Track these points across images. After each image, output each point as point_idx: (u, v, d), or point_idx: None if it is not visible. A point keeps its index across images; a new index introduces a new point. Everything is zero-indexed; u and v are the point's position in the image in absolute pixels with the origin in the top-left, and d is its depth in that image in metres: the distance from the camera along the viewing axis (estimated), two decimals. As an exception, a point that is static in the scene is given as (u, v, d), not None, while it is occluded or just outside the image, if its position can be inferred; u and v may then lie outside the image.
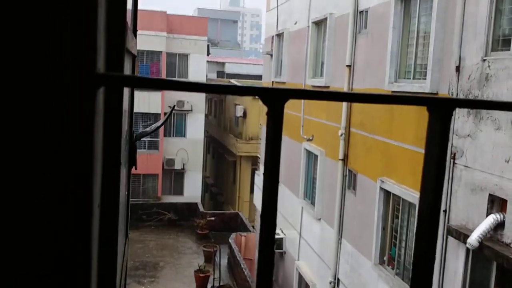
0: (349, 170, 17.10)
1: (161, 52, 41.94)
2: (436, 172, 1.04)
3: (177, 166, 42.90)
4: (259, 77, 48.28)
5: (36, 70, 0.94)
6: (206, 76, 47.57)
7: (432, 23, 12.37)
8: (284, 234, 23.65)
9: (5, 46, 0.93)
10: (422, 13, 13.20)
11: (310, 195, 20.99)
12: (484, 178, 10.41)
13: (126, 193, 3.34)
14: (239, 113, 42.27)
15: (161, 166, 42.39)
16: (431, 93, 12.10)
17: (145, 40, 38.13)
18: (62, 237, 0.99)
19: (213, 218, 36.62)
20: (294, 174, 21.98)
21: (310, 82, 20.51)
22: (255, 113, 38.40)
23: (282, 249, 23.76)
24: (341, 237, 17.59)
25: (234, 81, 45.59)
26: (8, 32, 0.92)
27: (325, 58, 19.34)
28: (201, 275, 27.97)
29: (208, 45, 45.65)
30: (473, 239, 9.93)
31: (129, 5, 2.77)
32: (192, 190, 43.75)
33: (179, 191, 43.85)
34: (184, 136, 43.82)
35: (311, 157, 20.84)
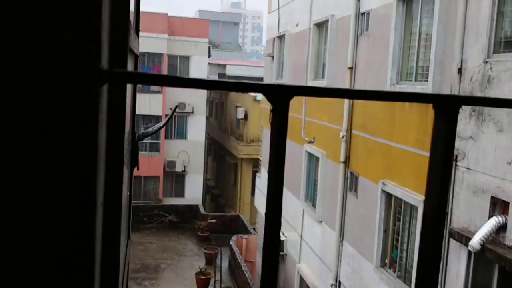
0: (351, 172, 17.10)
1: (162, 54, 42.01)
2: (441, 171, 1.03)
3: (178, 168, 42.94)
4: (260, 79, 48.29)
5: (36, 70, 0.94)
6: (207, 78, 47.54)
7: (433, 25, 12.37)
8: (285, 237, 23.64)
9: (5, 46, 0.92)
10: (424, 15, 13.20)
11: (311, 197, 20.99)
12: (486, 180, 10.40)
13: (128, 193, 3.33)
14: (240, 115, 42.31)
15: (162, 168, 42.44)
16: (433, 95, 12.08)
17: (146, 42, 38.18)
18: (62, 237, 0.98)
19: (214, 220, 36.64)
20: (295, 176, 21.98)
21: (312, 84, 20.43)
22: (256, 115, 38.41)
23: (283, 251, 23.76)
24: (342, 239, 17.58)
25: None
26: (8, 32, 0.92)
27: (326, 60, 19.34)
28: (202, 277, 27.97)
29: (209, 47, 45.71)
30: (475, 241, 9.92)
31: (132, 6, 2.77)
32: (193, 192, 43.79)
33: (180, 193, 43.90)
34: (185, 138, 43.88)
35: (312, 159, 20.84)
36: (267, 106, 24.71)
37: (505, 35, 10.41)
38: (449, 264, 11.48)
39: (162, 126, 5.73)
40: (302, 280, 21.37)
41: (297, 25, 23.06)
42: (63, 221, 0.98)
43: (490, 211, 10.24)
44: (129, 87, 2.62)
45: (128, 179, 3.25)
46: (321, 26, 20.34)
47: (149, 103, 39.87)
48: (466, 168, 11.00)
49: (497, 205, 10.15)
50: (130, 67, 2.18)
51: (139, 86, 36.02)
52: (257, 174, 30.88)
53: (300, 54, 22.10)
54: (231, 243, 30.76)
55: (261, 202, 28.22)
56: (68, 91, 0.95)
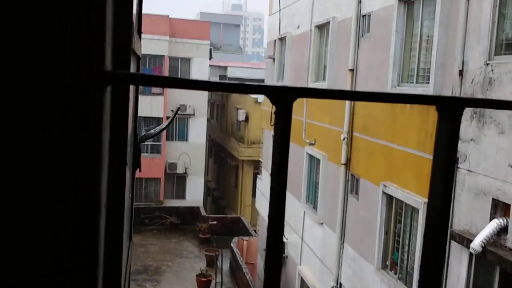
0: (352, 175, 17.09)
1: (163, 56, 42.02)
2: (445, 172, 1.03)
3: (179, 170, 42.94)
4: (261, 81, 48.28)
5: (36, 70, 0.94)
6: (208, 80, 47.50)
7: (435, 27, 12.37)
8: (286, 239, 23.62)
9: (5, 46, 0.92)
10: (425, 17, 13.20)
11: (312, 199, 20.99)
12: (487, 182, 10.39)
13: (130, 195, 3.33)
14: (241, 117, 42.32)
15: (163, 170, 42.44)
16: (434, 97, 12.08)
17: (148, 44, 38.16)
18: (62, 237, 0.98)
19: (215, 222, 36.63)
20: (296, 178, 21.97)
21: (313, 86, 20.40)
22: (257, 117, 38.39)
23: (284, 253, 23.73)
24: (343, 241, 17.57)
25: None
26: (8, 32, 0.92)
27: (327, 62, 19.34)
28: (203, 279, 27.98)
29: (210, 49, 45.70)
30: (476, 243, 9.91)
31: (134, 8, 2.77)
32: (194, 194, 43.78)
33: (181, 195, 43.88)
34: (186, 140, 43.88)
35: (313, 161, 20.84)
36: (268, 108, 24.70)
37: (506, 37, 10.40)
38: (450, 266, 11.47)
39: (164, 128, 5.74)
40: (303, 282, 21.35)
41: (298, 27, 23.06)
42: (63, 221, 0.98)
43: (491, 213, 10.23)
44: (131, 88, 2.62)
45: (130, 180, 3.25)
46: (322, 28, 20.34)
47: (151, 105, 39.88)
48: (468, 170, 11.00)
49: (498, 207, 10.15)
50: (132, 68, 2.18)
51: (140, 87, 36.08)
52: (258, 176, 30.86)
53: (301, 56, 22.11)
54: (232, 245, 30.75)
55: (262, 204, 28.21)
56: (68, 91, 0.95)
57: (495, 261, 10.02)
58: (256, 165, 37.98)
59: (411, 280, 13.41)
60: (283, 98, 0.96)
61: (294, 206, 22.28)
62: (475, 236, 10.17)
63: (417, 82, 13.46)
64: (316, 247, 20.21)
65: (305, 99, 19.53)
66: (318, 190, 20.03)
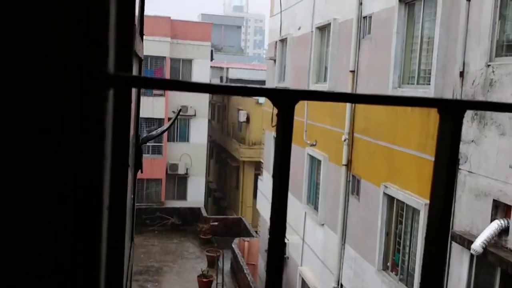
0: (353, 176, 17.10)
1: (165, 57, 42.03)
2: (446, 174, 1.03)
3: (181, 171, 42.96)
4: (262, 83, 48.30)
5: (35, 69, 0.94)
6: (210, 81, 47.61)
7: (436, 28, 12.37)
8: (287, 240, 23.61)
9: (5, 46, 0.92)
10: (426, 18, 13.21)
11: (313, 200, 20.98)
12: (488, 183, 10.39)
13: (132, 196, 3.34)
14: (242, 118, 42.34)
15: (164, 171, 42.45)
16: (435, 99, 12.09)
17: (149, 45, 38.20)
18: (62, 237, 0.99)
19: (216, 223, 36.64)
20: (297, 179, 21.96)
21: (314, 87, 20.48)
22: (258, 118, 38.39)
23: (285, 254, 23.73)
24: (344, 242, 17.57)
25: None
26: (8, 31, 0.92)
27: (328, 63, 19.34)
28: (204, 280, 27.99)
29: (211, 51, 45.74)
30: (477, 245, 9.91)
31: (136, 10, 2.77)
32: (195, 195, 43.80)
33: (183, 196, 43.90)
34: (188, 141, 43.91)
35: (314, 162, 20.84)
36: (269, 109, 24.70)
37: (507, 38, 10.41)
38: (451, 267, 11.47)
39: (166, 130, 5.75)
40: (304, 283, 21.35)
41: (299, 28, 23.07)
42: (63, 221, 0.98)
43: (492, 214, 10.23)
44: (133, 90, 2.63)
45: (132, 182, 3.25)
46: (323, 29, 20.34)
47: (152, 106, 39.89)
48: (468, 171, 11.00)
49: (499, 209, 10.15)
50: (134, 70, 2.18)
51: (142, 89, 36.12)
52: (259, 177, 30.86)
53: (302, 57, 22.11)
54: (233, 245, 30.75)
55: (263, 205, 28.22)
56: (68, 92, 0.95)
57: (496, 262, 10.02)
58: (257, 166, 37.98)
59: (412, 281, 13.41)
60: (285, 100, 0.97)
61: (295, 207, 22.28)
62: (476, 237, 10.17)
63: (418, 83, 13.47)
64: (317, 248, 20.21)
65: (306, 100, 19.50)
66: (319, 191, 20.03)
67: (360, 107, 16.47)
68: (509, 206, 9.88)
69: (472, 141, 10.92)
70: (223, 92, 1.00)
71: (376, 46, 15.78)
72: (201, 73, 43.10)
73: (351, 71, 17.08)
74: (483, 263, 10.61)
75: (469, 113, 11.12)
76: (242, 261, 28.39)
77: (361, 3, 16.70)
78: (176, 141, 43.60)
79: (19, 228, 0.96)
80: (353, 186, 17.05)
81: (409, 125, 13.38)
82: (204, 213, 39.51)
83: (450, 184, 1.03)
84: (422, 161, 12.53)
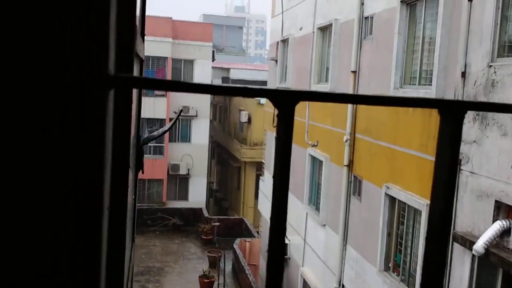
0: (354, 176, 17.09)
1: (166, 58, 42.04)
2: (447, 175, 1.03)
3: (182, 171, 42.96)
4: (264, 83, 48.35)
5: (35, 69, 0.94)
6: (211, 82, 47.61)
7: (437, 29, 12.37)
8: (289, 240, 23.62)
9: (5, 46, 0.92)
10: (428, 19, 13.20)
11: (314, 201, 20.98)
12: (490, 184, 10.39)
13: (133, 197, 3.34)
14: (244, 118, 42.34)
15: (166, 171, 42.46)
16: (436, 99, 12.09)
17: (151, 46, 38.21)
18: (62, 237, 0.99)
19: (217, 224, 36.64)
20: (299, 180, 21.96)
21: (315, 88, 20.48)
22: (260, 118, 38.38)
23: (286, 255, 23.74)
24: (346, 243, 17.57)
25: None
26: (8, 31, 0.92)
27: (330, 64, 19.35)
28: (206, 280, 28.00)
29: (213, 51, 45.75)
30: (479, 245, 9.91)
31: (138, 10, 2.77)
32: (197, 195, 43.80)
33: (184, 196, 43.90)
34: (189, 141, 43.90)
35: (316, 163, 20.83)
36: (270, 109, 24.69)
37: (509, 39, 10.40)
38: (453, 268, 11.46)
39: (167, 130, 5.76)
40: (305, 283, 21.35)
41: (300, 29, 23.07)
42: (63, 221, 0.98)
43: (494, 215, 10.23)
44: (134, 90, 2.63)
45: (133, 182, 3.25)
46: (324, 30, 20.35)
47: (154, 106, 39.91)
48: (470, 172, 10.99)
49: (501, 209, 10.14)
50: (135, 71, 2.18)
51: (144, 89, 36.05)
52: (261, 177, 30.87)
53: (304, 58, 22.11)
54: (234, 246, 30.77)
55: (264, 206, 28.23)
56: (69, 92, 0.95)
57: (497, 263, 10.02)
58: (259, 167, 37.99)
59: (413, 282, 13.40)
60: (286, 101, 0.97)
61: (296, 207, 22.28)
62: (477, 238, 10.16)
63: (419, 84, 13.47)
64: (318, 248, 20.21)
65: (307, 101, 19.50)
66: (320, 191, 20.02)
67: (362, 107, 16.47)
68: (511, 206, 9.88)
69: (474, 141, 10.92)
70: (223, 93, 1.00)
71: (377, 46, 15.78)
72: (202, 74, 43.11)
73: (352, 71, 17.08)
74: (485, 264, 10.60)
75: (470, 114, 11.12)
76: (243, 261, 28.41)
77: (362, 4, 16.70)
78: (178, 141, 43.60)
79: (19, 228, 0.96)
80: (355, 187, 17.04)
81: (411, 126, 13.38)
82: (206, 214, 39.53)
83: (450, 185, 1.03)
84: (424, 162, 12.53)
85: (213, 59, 46.35)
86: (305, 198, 21.59)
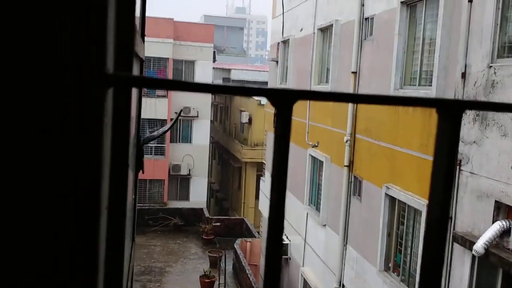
0: (355, 177, 17.09)
1: (167, 58, 42.06)
2: (445, 176, 1.03)
3: (183, 171, 42.97)
4: (265, 84, 48.31)
5: (35, 69, 0.94)
6: (212, 82, 47.53)
7: (437, 30, 12.37)
8: (289, 240, 23.64)
9: (5, 46, 0.93)
10: (428, 20, 13.21)
11: (315, 201, 20.98)
12: (490, 184, 10.39)
13: (133, 197, 3.34)
14: (245, 119, 42.34)
15: (167, 171, 42.48)
16: (437, 100, 12.09)
17: (152, 47, 38.26)
18: (62, 237, 0.99)
19: (218, 224, 36.65)
20: (299, 180, 21.97)
21: (316, 89, 20.43)
22: (261, 119, 38.38)
23: (287, 255, 23.76)
24: (346, 243, 17.57)
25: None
26: (8, 31, 0.93)
27: (330, 65, 19.35)
28: (207, 280, 28.00)
29: (214, 52, 45.75)
30: (479, 246, 9.91)
31: (138, 11, 2.77)
32: (198, 195, 43.82)
33: (185, 197, 43.92)
34: (190, 142, 43.92)
35: (316, 163, 20.83)
36: (271, 110, 24.67)
37: (509, 40, 10.40)
38: (453, 268, 11.46)
39: (167, 130, 5.77)
40: (306, 283, 21.35)
41: (301, 30, 23.07)
42: (63, 221, 0.98)
43: (494, 215, 10.23)
44: (134, 91, 2.63)
45: (133, 182, 3.25)
46: (325, 31, 20.35)
47: (155, 107, 39.94)
48: (470, 172, 10.99)
49: (501, 210, 10.15)
50: (135, 71, 2.19)
51: (145, 90, 36.06)
52: (261, 177, 30.87)
53: (304, 58, 22.11)
54: (235, 246, 30.76)
55: (265, 206, 28.21)
56: (68, 91, 0.96)
57: (497, 263, 10.02)
58: (259, 167, 37.99)
59: (413, 282, 13.40)
60: (283, 100, 0.97)
61: (297, 207, 22.29)
62: (477, 238, 10.17)
63: (419, 84, 13.47)
64: (319, 248, 20.21)
65: (308, 102, 19.52)
66: (321, 192, 20.03)
67: (362, 108, 16.47)
68: (511, 207, 9.88)
69: (474, 142, 10.92)
70: (221, 91, 1.00)
71: (378, 47, 15.78)
72: (203, 74, 43.13)
73: (353, 72, 17.08)
74: (485, 264, 10.60)
75: (470, 114, 11.13)
76: (244, 261, 28.41)
77: (363, 5, 16.70)
78: (179, 142, 43.63)
79: (19, 228, 0.96)
80: (355, 187, 17.05)
81: (411, 126, 13.38)
82: (207, 214, 39.51)
83: (448, 185, 1.03)
84: (424, 162, 12.53)
85: (214, 60, 46.36)
86: (305, 198, 21.60)
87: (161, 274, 30.15)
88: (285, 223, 23.67)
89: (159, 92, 40.41)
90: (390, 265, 14.77)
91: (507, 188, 9.87)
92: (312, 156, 21.03)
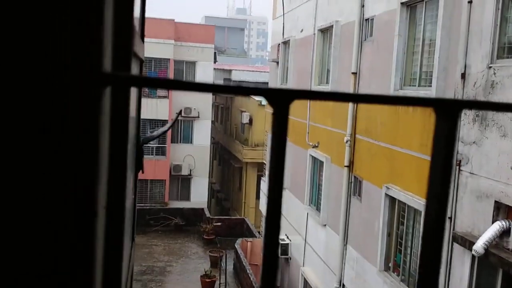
0: (355, 177, 17.09)
1: (168, 59, 42.02)
2: (442, 175, 1.04)
3: (184, 172, 42.94)
4: (265, 84, 48.21)
5: (36, 69, 0.95)
6: (213, 82, 47.45)
7: (437, 30, 12.37)
8: (290, 240, 23.64)
9: (5, 46, 0.93)
10: (428, 20, 13.21)
11: (315, 201, 20.98)
12: (489, 185, 10.39)
13: (133, 197, 3.34)
14: (245, 119, 42.31)
15: (168, 172, 42.45)
16: (437, 100, 12.10)
17: (153, 48, 38.25)
18: (62, 237, 0.99)
19: (219, 224, 36.64)
20: (300, 180, 21.97)
21: (316, 89, 20.44)
22: (261, 120, 38.37)
23: (287, 254, 23.76)
24: (346, 243, 17.57)
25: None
26: (8, 32, 0.93)
27: (330, 66, 19.35)
28: (207, 280, 27.99)
29: (215, 53, 45.70)
30: (479, 246, 9.91)
31: (137, 12, 2.78)
32: (199, 195, 43.78)
33: (186, 197, 43.88)
34: (191, 142, 43.87)
35: (317, 164, 20.83)
36: (271, 110, 24.66)
37: (508, 40, 10.40)
38: (452, 268, 11.46)
39: (166, 130, 5.78)
40: (306, 283, 21.34)
41: (301, 31, 23.07)
42: (63, 221, 0.99)
43: (494, 215, 10.23)
44: (134, 91, 2.64)
45: (133, 182, 3.25)
46: (325, 31, 20.34)
47: (156, 107, 39.92)
48: (470, 172, 10.99)
49: (501, 210, 10.15)
50: (135, 71, 2.19)
51: (146, 91, 35.98)
52: (262, 178, 30.88)
53: (305, 59, 22.11)
54: (236, 246, 30.74)
55: (266, 206, 28.20)
56: (68, 91, 0.97)
57: (497, 264, 10.02)
58: (260, 167, 37.96)
59: (413, 282, 13.39)
60: (280, 99, 0.98)
61: (297, 208, 22.29)
62: (477, 238, 10.17)
63: (419, 85, 13.47)
64: (319, 248, 20.21)
65: (308, 102, 19.53)
66: (321, 192, 20.02)
67: (362, 108, 16.47)
68: (510, 207, 9.88)
69: (474, 142, 10.92)
70: (218, 91, 1.01)
71: (378, 48, 15.78)
72: (204, 75, 43.09)
73: (353, 73, 17.08)
74: (485, 264, 10.60)
75: (470, 115, 11.13)
76: (245, 261, 28.40)
77: (363, 6, 16.70)
78: (180, 142, 43.60)
79: (19, 228, 0.97)
80: (355, 187, 17.05)
81: (411, 126, 13.38)
82: (207, 214, 39.49)
83: (445, 184, 1.04)
84: (424, 162, 12.53)
85: (215, 61, 46.30)
86: (306, 199, 21.60)
87: (162, 274, 30.14)
88: (286, 223, 23.72)
89: (160, 92, 40.42)
90: (390, 265, 14.77)
91: (507, 188, 9.88)
92: (312, 156, 21.03)
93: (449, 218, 11.46)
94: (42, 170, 0.97)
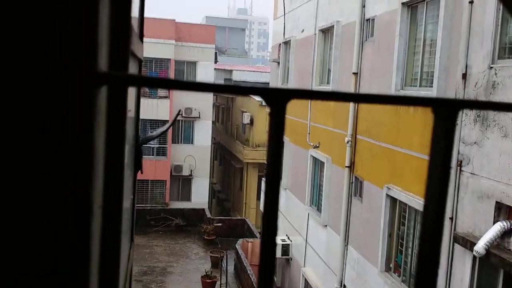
0: (356, 177, 17.09)
1: (169, 59, 42.05)
2: (441, 175, 1.03)
3: (185, 172, 42.97)
4: (266, 85, 48.15)
5: (36, 70, 0.94)
6: (213, 82, 47.47)
7: (438, 31, 12.37)
8: (291, 241, 23.65)
9: (5, 46, 0.93)
10: (429, 21, 13.21)
11: (316, 202, 20.99)
12: (491, 185, 10.39)
13: (132, 197, 3.33)
14: (246, 120, 42.34)
15: (169, 172, 42.48)
16: (438, 100, 12.10)
17: (154, 48, 38.31)
18: (62, 237, 0.99)
19: (220, 224, 36.69)
20: (301, 181, 21.98)
21: (317, 89, 20.46)
22: (262, 120, 38.43)
23: (288, 255, 23.77)
24: (347, 243, 17.57)
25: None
26: (8, 32, 0.93)
27: (331, 66, 19.36)
28: (208, 280, 28.04)
29: (215, 53, 45.75)
30: (480, 246, 9.91)
31: (136, 12, 2.77)
32: (200, 196, 43.82)
33: (187, 197, 43.91)
34: (192, 142, 43.91)
35: (318, 164, 20.84)
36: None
37: (510, 40, 10.40)
38: (453, 269, 11.46)
39: (166, 130, 5.77)
40: (307, 283, 21.36)
41: (302, 31, 23.09)
42: (63, 221, 0.98)
43: (495, 216, 10.22)
44: (132, 90, 2.63)
45: (132, 182, 3.25)
46: (326, 32, 20.36)
47: (157, 108, 39.96)
48: (471, 173, 10.99)
49: (502, 210, 10.14)
50: (133, 71, 2.18)
51: (147, 91, 35.99)
52: (263, 178, 30.89)
53: (306, 59, 22.12)
54: (236, 246, 30.79)
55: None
56: (68, 92, 0.96)
57: (498, 264, 10.01)
58: (261, 168, 38.04)
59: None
60: (277, 99, 0.97)
61: (298, 208, 22.31)
62: (478, 239, 10.16)
63: (420, 85, 13.47)
64: (320, 249, 20.22)
65: (309, 103, 19.54)
66: (322, 192, 20.04)
67: (363, 109, 16.47)
68: (511, 208, 9.88)
69: (475, 143, 10.92)
70: (216, 90, 1.00)
71: (379, 48, 15.78)
72: (205, 75, 43.12)
73: (354, 73, 17.09)
74: (486, 264, 10.59)
75: (471, 115, 11.13)
76: (245, 261, 28.44)
77: (364, 6, 16.71)
78: (181, 143, 43.63)
79: (19, 228, 0.96)
80: (356, 188, 17.05)
81: (412, 127, 13.38)
82: (208, 214, 39.56)
83: (444, 184, 1.03)
84: (424, 163, 12.40)
85: (216, 61, 46.36)
86: (306, 199, 21.61)
87: (162, 274, 30.18)
88: (287, 223, 23.74)
89: (161, 93, 40.47)
90: (391, 265, 14.77)
91: (508, 189, 9.87)
92: (313, 156, 21.04)
93: (450, 218, 11.46)
94: (42, 170, 0.96)
